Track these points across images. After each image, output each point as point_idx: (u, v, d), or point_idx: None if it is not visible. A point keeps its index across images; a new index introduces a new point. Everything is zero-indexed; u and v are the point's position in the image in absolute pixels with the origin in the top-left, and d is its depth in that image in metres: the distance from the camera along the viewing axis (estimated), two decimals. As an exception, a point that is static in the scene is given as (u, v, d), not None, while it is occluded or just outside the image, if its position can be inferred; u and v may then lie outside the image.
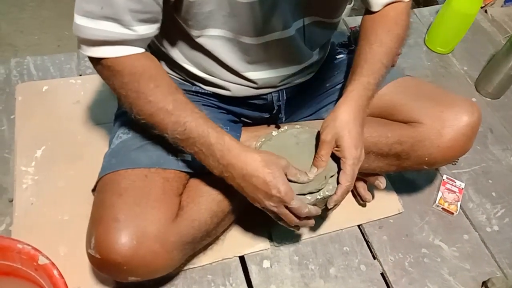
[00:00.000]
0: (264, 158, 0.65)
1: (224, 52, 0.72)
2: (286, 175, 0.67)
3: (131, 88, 0.64)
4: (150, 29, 0.63)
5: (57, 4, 1.84)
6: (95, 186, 0.74)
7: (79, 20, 0.60)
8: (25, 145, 0.98)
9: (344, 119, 0.69)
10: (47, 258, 0.60)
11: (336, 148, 0.70)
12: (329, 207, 0.71)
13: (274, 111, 0.87)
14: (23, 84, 1.10)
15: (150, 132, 0.71)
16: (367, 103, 0.74)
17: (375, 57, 0.75)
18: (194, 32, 0.69)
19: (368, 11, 0.82)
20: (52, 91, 1.09)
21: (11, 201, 0.90)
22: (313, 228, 0.95)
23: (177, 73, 0.81)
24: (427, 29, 1.50)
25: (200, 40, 0.70)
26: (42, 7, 1.82)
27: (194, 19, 0.66)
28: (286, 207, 0.66)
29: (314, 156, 0.72)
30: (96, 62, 0.65)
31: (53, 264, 0.60)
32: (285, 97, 0.86)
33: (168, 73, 0.81)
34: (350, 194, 1.02)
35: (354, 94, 0.72)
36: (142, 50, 0.66)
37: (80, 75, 1.15)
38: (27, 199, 0.90)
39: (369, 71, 0.74)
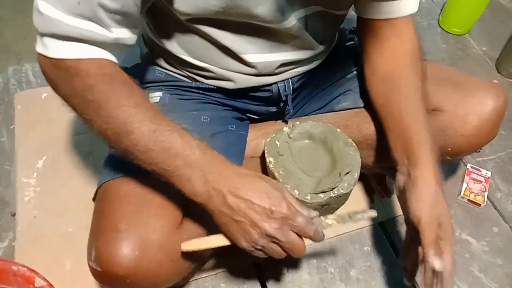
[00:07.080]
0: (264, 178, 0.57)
1: (221, 35, 0.66)
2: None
3: (100, 91, 0.53)
4: (126, 34, 0.56)
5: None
6: (95, 195, 0.71)
7: (47, 10, 0.50)
8: (26, 156, 0.95)
9: (440, 207, 0.65)
10: (44, 279, 0.56)
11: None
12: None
13: (281, 104, 0.82)
14: (22, 93, 1.06)
15: None
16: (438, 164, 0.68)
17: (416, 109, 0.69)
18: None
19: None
20: (52, 98, 1.02)
21: (14, 215, 0.87)
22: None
23: (177, 68, 0.76)
24: (441, 10, 1.43)
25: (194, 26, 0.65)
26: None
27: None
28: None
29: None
30: (51, 62, 0.54)
31: (50, 285, 0.56)
32: (291, 87, 0.79)
33: (168, 70, 0.77)
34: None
35: (430, 172, 0.68)
36: (114, 59, 0.57)
37: (80, 80, 1.11)
38: (30, 212, 0.86)
39: (421, 131, 0.67)
